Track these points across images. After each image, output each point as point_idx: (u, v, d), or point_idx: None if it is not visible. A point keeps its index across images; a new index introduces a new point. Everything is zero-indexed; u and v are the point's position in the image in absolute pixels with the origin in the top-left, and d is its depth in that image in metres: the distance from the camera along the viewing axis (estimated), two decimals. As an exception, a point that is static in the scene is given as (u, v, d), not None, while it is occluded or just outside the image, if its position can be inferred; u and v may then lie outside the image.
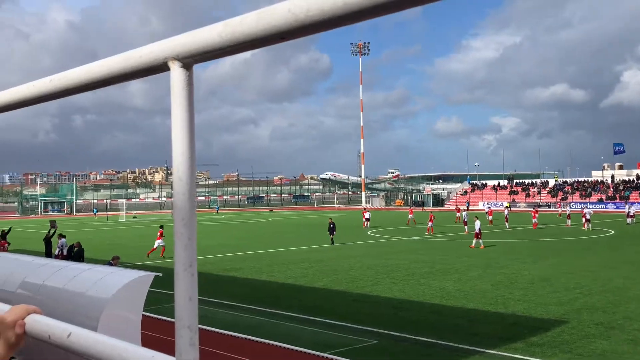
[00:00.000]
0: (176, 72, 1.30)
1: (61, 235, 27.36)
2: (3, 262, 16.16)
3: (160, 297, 17.07)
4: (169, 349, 1.29)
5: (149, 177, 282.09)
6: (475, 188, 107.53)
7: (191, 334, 1.22)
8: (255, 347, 14.40)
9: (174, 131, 1.29)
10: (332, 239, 38.39)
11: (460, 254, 32.27)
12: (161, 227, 34.48)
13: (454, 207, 75.25)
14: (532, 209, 61.20)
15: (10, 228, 31.58)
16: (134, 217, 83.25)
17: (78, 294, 11.99)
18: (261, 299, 19.92)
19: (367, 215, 55.49)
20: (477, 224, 36.28)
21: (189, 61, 1.29)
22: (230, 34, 1.16)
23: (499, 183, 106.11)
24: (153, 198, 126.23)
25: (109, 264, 18.54)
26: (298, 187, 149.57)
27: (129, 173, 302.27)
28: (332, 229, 38.81)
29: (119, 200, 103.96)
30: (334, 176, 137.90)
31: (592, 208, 63.79)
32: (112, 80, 1.53)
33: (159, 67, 1.36)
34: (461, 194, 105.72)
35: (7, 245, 27.88)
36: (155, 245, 33.31)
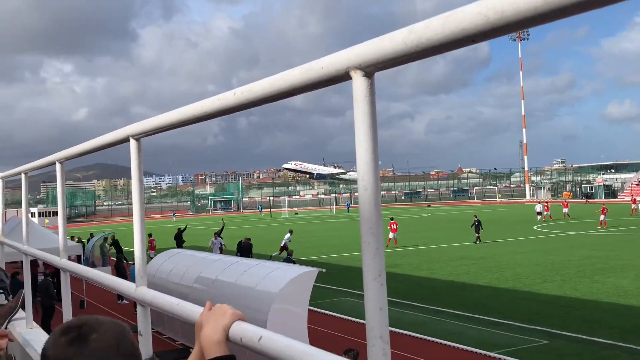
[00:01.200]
0: (358, 81, 1.30)
1: (217, 234, 29.08)
2: (180, 259, 17.50)
3: (324, 292, 17.58)
4: (333, 342, 1.30)
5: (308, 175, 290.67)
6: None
7: (383, 345, 1.21)
8: (419, 344, 14.30)
9: (358, 140, 1.30)
10: (477, 238, 35.69)
11: (638, 249, 29.78)
12: (391, 219, 35.82)
13: (628, 199, 69.54)
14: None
15: (186, 226, 34.08)
16: (296, 214, 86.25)
17: (248, 288, 12.69)
18: (422, 296, 19.75)
19: (538, 208, 52.74)
20: None
21: (371, 69, 1.29)
22: (416, 40, 1.14)
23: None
24: (312, 195, 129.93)
25: (288, 259, 19.25)
26: (456, 181, 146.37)
27: (290, 171, 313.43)
28: (477, 227, 35.97)
29: (281, 197, 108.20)
30: (300, 166, 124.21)
31: None
32: (293, 92, 1.57)
33: (341, 77, 1.37)
34: (637, 184, 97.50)
35: (154, 242, 30.05)
36: (390, 236, 34.45)
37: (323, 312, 16.99)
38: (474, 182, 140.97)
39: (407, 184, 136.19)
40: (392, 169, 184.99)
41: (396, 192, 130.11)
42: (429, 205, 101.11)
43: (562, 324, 15.33)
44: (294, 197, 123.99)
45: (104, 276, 3.01)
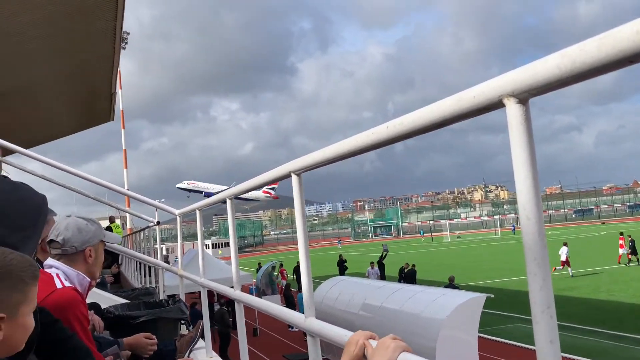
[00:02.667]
0: (512, 109, 1.28)
1: (376, 263, 29.03)
2: (346, 285, 17.81)
3: (493, 318, 16.97)
4: None
5: (468, 196, 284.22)
6: None
7: (556, 380, 1.17)
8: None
9: (516, 169, 1.27)
10: (631, 259, 32.29)
11: None
12: (621, 234, 35.01)
13: None
14: None
15: (385, 253, 32.56)
16: (458, 237, 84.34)
17: (413, 315, 12.58)
18: (602, 320, 18.36)
19: None
20: None
21: (524, 96, 1.26)
22: (570, 64, 1.11)
23: None
24: (474, 217, 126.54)
25: (451, 285, 18.90)
26: (632, 195, 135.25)
27: (448, 193, 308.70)
28: (633, 248, 32.63)
29: (442, 221, 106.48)
30: (193, 184, 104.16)
31: None
32: (444, 123, 1.57)
33: (493, 105, 1.35)
34: None
35: (285, 272, 30.23)
36: (620, 252, 33.81)
37: (494, 339, 16.37)
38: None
39: (577, 200, 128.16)
40: (559, 185, 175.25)
41: (565, 210, 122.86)
42: (603, 223, 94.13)
43: None
44: (455, 220, 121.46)
45: (274, 307, 3.16)
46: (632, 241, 32.88)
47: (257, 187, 3.45)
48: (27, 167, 8.23)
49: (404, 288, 15.92)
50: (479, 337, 12.24)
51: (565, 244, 32.00)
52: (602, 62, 1.06)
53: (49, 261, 2.91)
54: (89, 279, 2.92)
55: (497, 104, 1.34)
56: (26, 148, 7.92)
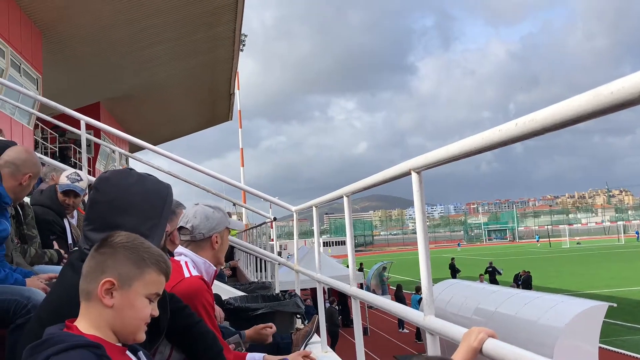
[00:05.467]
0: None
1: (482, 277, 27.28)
2: (458, 289, 17.47)
3: (616, 329, 16.07)
4: None
5: (590, 201, 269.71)
6: None
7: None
8: None
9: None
10: None
11: None
12: None
13: None
14: None
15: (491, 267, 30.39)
16: (578, 244, 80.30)
17: (530, 322, 12.13)
18: None
19: None
20: None
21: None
22: None
23: None
24: (596, 222, 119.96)
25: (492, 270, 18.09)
26: None
27: (568, 197, 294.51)
28: None
29: (560, 226, 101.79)
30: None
31: None
32: (579, 120, 1.53)
33: (636, 101, 1.31)
34: None
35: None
36: None
37: (616, 350, 15.47)
38: None
39: None
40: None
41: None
42: None
43: None
44: (574, 225, 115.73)
45: (392, 304, 3.18)
46: None
47: (376, 185, 3.46)
48: (154, 163, 8.73)
49: (520, 294, 15.39)
50: (600, 347, 11.61)
51: None
52: None
53: (179, 249, 3.07)
54: (214, 267, 3.04)
55: (638, 100, 1.29)
56: (154, 144, 8.42)
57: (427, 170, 2.67)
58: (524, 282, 24.94)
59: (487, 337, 1.90)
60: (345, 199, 4.09)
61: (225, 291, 6.41)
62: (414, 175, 2.64)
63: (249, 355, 3.06)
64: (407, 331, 20.85)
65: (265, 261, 10.28)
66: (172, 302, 2.48)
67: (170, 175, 8.19)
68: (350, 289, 3.87)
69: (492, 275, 27.74)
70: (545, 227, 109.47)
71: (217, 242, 3.01)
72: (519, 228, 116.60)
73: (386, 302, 3.26)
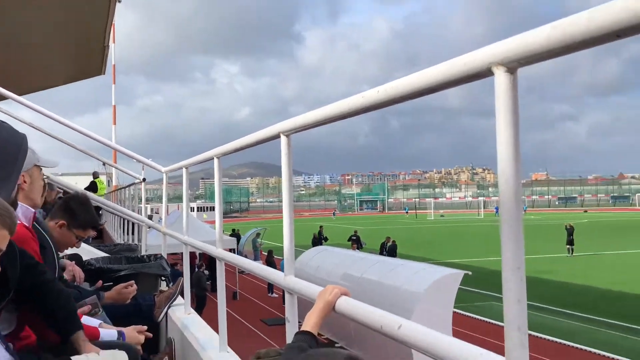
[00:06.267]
0: (501, 77, 1.31)
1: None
2: (328, 255, 17.94)
3: (470, 295, 17.22)
4: (481, 347, 1.32)
5: (455, 177, 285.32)
6: None
7: (521, 336, 1.22)
8: (567, 352, 13.64)
9: (499, 136, 1.31)
10: (569, 249, 32.86)
11: None
12: None
13: None
14: None
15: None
16: (442, 216, 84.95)
17: (393, 287, 12.75)
18: (576, 304, 18.72)
19: None
20: None
21: (513, 65, 1.29)
22: (560, 35, 1.14)
23: None
24: (459, 197, 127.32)
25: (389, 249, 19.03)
26: (617, 186, 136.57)
27: (436, 173, 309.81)
28: (569, 237, 33.12)
29: (427, 199, 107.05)
30: None
31: None
32: (435, 89, 1.60)
33: (483, 73, 1.38)
34: None
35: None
36: None
37: (468, 315, 16.64)
38: (636, 188, 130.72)
39: (561, 188, 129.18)
40: (545, 172, 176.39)
41: (550, 196, 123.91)
42: (586, 211, 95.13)
43: None
44: (440, 199, 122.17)
45: (256, 265, 3.21)
46: (571, 229, 33.15)
47: (247, 147, 3.45)
48: (19, 114, 8.15)
49: (385, 261, 16.09)
50: (455, 312, 12.45)
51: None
52: (591, 35, 1.09)
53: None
54: (32, 209, 2.83)
55: (486, 72, 1.37)
56: (18, 95, 7.83)
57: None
58: (389, 250, 26.07)
59: (340, 294, 1.98)
60: (215, 160, 4.04)
61: (87, 252, 6.18)
62: (283, 139, 2.66)
63: (103, 331, 2.94)
64: (277, 295, 21.18)
65: (134, 224, 10.00)
66: (23, 258, 2.35)
67: (35, 128, 7.70)
68: (216, 250, 3.86)
69: (356, 242, 29.05)
70: (413, 199, 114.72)
71: (25, 182, 2.74)
72: (389, 200, 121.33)
73: (249, 263, 3.29)
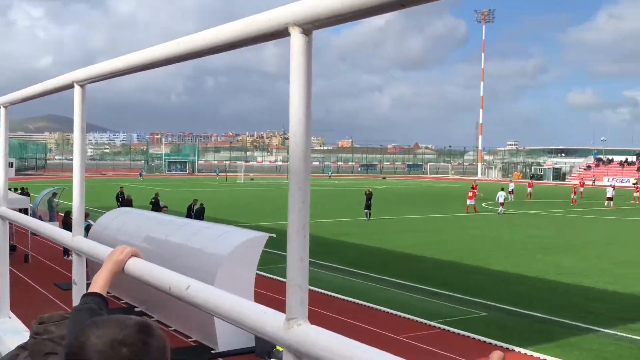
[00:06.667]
0: (296, 38, 1.32)
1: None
2: (130, 217, 17.30)
3: (274, 258, 17.68)
4: (279, 306, 1.35)
5: (267, 141, 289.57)
6: (601, 163, 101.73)
7: (301, 293, 1.26)
8: (361, 311, 14.60)
9: (292, 96, 1.32)
10: (367, 213, 34.14)
11: (581, 230, 30.87)
12: (472, 187, 42.47)
13: (577, 182, 71.64)
14: None
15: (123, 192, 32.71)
16: (252, 179, 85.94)
17: (197, 250, 12.68)
18: (370, 265, 20.08)
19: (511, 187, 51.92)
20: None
21: (309, 27, 1.30)
22: (351, 1, 1.16)
23: (626, 159, 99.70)
24: (270, 161, 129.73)
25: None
26: (412, 156, 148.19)
27: (248, 136, 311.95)
28: (368, 202, 34.17)
29: (238, 162, 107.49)
30: None
31: None
32: (236, 44, 1.57)
33: (280, 33, 1.38)
34: (584, 169, 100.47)
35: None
36: (468, 203, 40.07)
37: (271, 277, 17.12)
38: (428, 158, 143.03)
39: (364, 156, 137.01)
40: (351, 139, 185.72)
41: (353, 163, 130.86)
42: (384, 178, 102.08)
43: (501, 298, 15.84)
44: (251, 162, 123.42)
45: (43, 225, 2.99)
46: (369, 194, 34.37)
47: (38, 96, 3.17)
48: None
49: (191, 223, 15.93)
50: (258, 274, 12.73)
51: (503, 189, 41.37)
52: (379, 2, 1.13)
53: None
54: None
55: (283, 32, 1.37)
56: None
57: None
58: (197, 213, 25.85)
59: (131, 254, 1.90)
60: (2, 109, 3.68)
61: None
62: (76, 89, 2.47)
63: None
64: (72, 258, 20.10)
65: None
66: None
67: None
68: (-2, 208, 3.52)
69: (155, 206, 28.19)
70: (224, 162, 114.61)
71: None
72: (200, 162, 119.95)
73: (35, 223, 3.06)
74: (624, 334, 12.85)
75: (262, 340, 9.78)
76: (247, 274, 12.05)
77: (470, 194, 40.86)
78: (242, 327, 1.40)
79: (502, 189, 41.95)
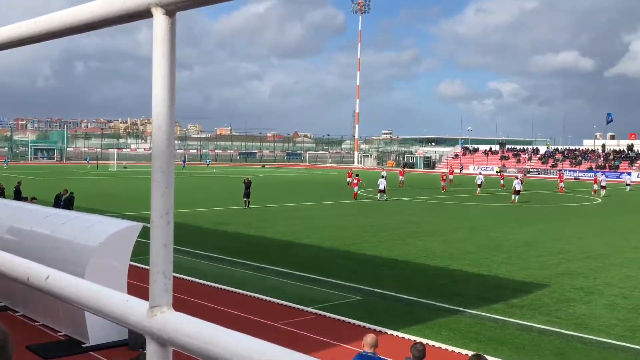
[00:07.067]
0: (159, 19, 1.28)
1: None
2: (-8, 207, 16.11)
3: (148, 248, 17.20)
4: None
5: (141, 128, 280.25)
6: (467, 152, 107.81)
7: (165, 280, 1.23)
8: (239, 299, 14.58)
9: (155, 79, 1.28)
10: (246, 202, 34.10)
11: (449, 216, 32.58)
12: (357, 175, 44.44)
13: (446, 170, 75.58)
14: (558, 174, 66.08)
15: None
16: (125, 167, 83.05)
17: (65, 241, 12.07)
18: (249, 254, 20.08)
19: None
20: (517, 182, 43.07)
21: (172, 8, 1.27)
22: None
23: (490, 148, 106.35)
24: (144, 149, 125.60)
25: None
26: (291, 144, 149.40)
27: (121, 122, 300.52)
28: (247, 190, 34.16)
29: (110, 149, 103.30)
30: None
31: (603, 177, 64.42)
32: (96, 25, 1.50)
33: (142, 14, 1.33)
34: (452, 158, 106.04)
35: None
36: (355, 190, 42.04)
37: (146, 267, 16.68)
38: (307, 147, 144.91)
39: (243, 144, 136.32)
40: (230, 127, 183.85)
41: (232, 151, 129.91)
42: (264, 166, 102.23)
43: (375, 282, 16.41)
44: (124, 150, 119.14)
45: None
46: (248, 182, 34.31)
47: None
48: None
49: (59, 213, 15.12)
50: (132, 265, 12.33)
51: (383, 177, 43.74)
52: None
53: None
54: None
55: (145, 13, 1.32)
56: None
57: None
58: (65, 202, 24.60)
59: None
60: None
61: None
62: None
63: None
64: None
65: None
66: None
67: None
68: None
69: (17, 195, 26.58)
70: (95, 149, 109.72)
71: None
72: (69, 149, 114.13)
73: None
74: (487, 314, 13.74)
75: (135, 333, 9.50)
76: (119, 266, 11.65)
77: (355, 181, 42.33)
78: (104, 317, 1.35)
79: (383, 177, 43.72)
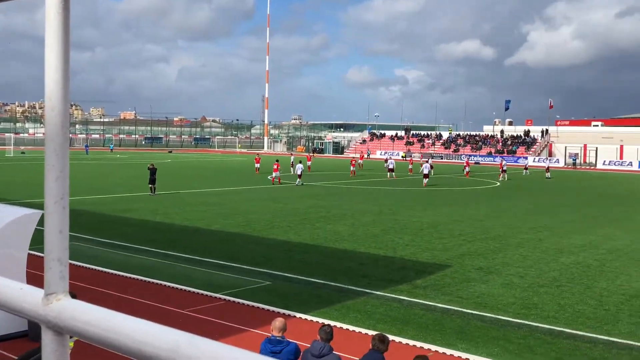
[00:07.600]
0: (51, -2, 1.24)
1: None
2: None
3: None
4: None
5: (40, 112, 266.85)
6: (374, 137, 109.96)
7: (61, 267, 1.20)
8: (146, 287, 14.28)
9: (47, 59, 1.24)
10: (152, 188, 33.02)
11: (358, 200, 33.17)
12: (277, 161, 43.94)
13: (356, 155, 76.85)
14: (465, 160, 68.45)
15: None
16: (23, 153, 79.05)
17: (-43, 231, 11.34)
18: (156, 240, 19.67)
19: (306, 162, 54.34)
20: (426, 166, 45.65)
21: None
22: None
23: (396, 134, 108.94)
24: (43, 134, 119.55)
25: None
26: (199, 129, 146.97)
27: (18, 106, 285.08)
28: (152, 176, 33.09)
29: (7, 134, 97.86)
30: None
31: (506, 161, 67.17)
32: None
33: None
34: (360, 143, 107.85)
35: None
36: (273, 175, 42.37)
37: (40, 255, 16.00)
38: (216, 132, 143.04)
39: (149, 128, 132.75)
40: (134, 111, 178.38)
41: (137, 136, 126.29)
42: (170, 152, 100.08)
43: (284, 267, 16.52)
44: (22, 134, 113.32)
45: None
46: (154, 169, 33.33)
47: None
48: None
49: (-51, 202, 14.21)
50: (31, 254, 11.80)
51: (300, 162, 45.55)
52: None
53: None
54: None
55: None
56: None
57: None
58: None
59: None
60: None
61: None
62: None
63: None
64: None
65: None
66: None
67: None
68: None
69: None
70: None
71: None
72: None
73: None
74: (393, 295, 14.15)
75: (35, 324, 9.11)
76: (17, 254, 11.11)
77: (275, 166, 42.58)
78: (-5, 307, 1.30)
79: (300, 162, 44.85)
